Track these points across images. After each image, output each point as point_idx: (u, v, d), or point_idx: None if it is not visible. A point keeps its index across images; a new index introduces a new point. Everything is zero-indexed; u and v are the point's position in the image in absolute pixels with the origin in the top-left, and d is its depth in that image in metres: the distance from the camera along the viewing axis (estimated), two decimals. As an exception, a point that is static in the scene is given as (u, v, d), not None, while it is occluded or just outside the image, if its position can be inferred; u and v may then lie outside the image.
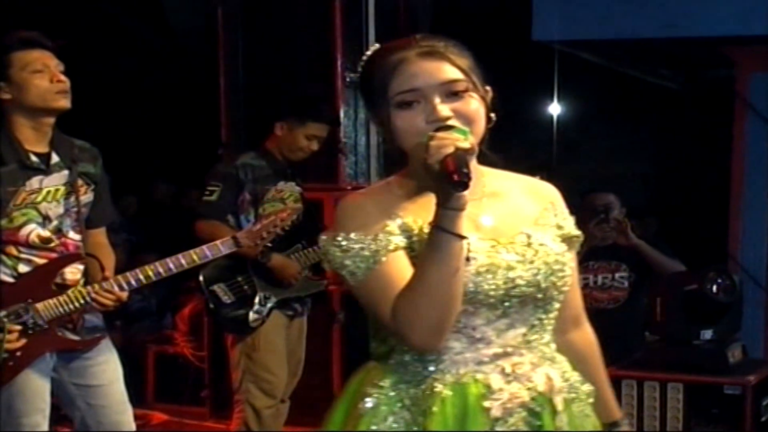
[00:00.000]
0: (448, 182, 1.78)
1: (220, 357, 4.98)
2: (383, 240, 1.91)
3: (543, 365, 2.00)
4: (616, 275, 5.46)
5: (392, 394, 1.96)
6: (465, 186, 1.77)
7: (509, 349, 1.96)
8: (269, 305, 4.30)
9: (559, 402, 1.99)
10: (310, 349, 4.59)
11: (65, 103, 3.32)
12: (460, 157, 1.80)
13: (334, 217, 1.99)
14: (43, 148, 3.34)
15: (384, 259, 1.89)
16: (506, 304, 1.94)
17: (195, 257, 3.46)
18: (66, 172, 3.36)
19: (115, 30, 6.26)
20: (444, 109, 1.89)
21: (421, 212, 1.93)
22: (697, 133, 7.23)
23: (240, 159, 4.36)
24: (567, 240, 2.05)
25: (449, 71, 1.92)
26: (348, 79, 5.20)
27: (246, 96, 5.36)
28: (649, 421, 4.93)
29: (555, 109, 6.06)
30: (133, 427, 3.62)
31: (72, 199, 3.37)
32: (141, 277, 3.37)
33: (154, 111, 6.15)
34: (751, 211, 5.92)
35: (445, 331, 1.88)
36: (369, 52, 2.02)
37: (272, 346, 4.34)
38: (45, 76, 3.28)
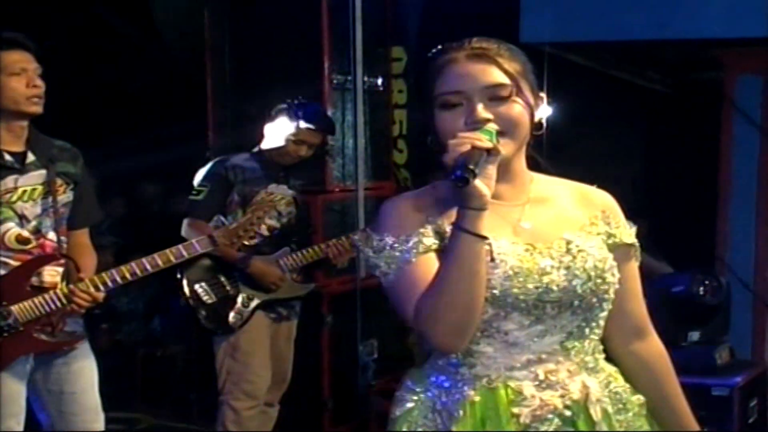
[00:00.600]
0: (451, 177, 1.79)
1: (208, 360, 4.99)
2: (415, 241, 1.92)
3: (581, 374, 1.98)
4: None
5: (424, 397, 1.99)
6: (465, 182, 1.78)
7: (544, 356, 1.95)
8: (252, 306, 4.29)
9: (596, 412, 1.96)
10: (299, 353, 4.59)
11: (37, 108, 3.32)
12: (474, 155, 1.80)
13: (378, 217, 2.03)
14: (18, 147, 3.33)
15: (414, 260, 1.90)
16: (540, 309, 1.92)
17: (171, 257, 3.44)
18: (43, 171, 3.35)
19: (100, 30, 6.25)
20: (483, 111, 1.90)
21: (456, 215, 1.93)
22: (685, 135, 7.23)
23: (231, 160, 4.35)
24: (619, 248, 2.03)
25: (495, 75, 1.92)
26: (335, 82, 5.19)
27: (233, 98, 5.35)
28: (637, 423, 5.01)
29: (545, 111, 6.10)
30: None
31: (49, 198, 3.36)
32: (117, 277, 3.35)
33: (140, 112, 6.15)
34: (739, 213, 5.93)
35: (467, 332, 1.88)
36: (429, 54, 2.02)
37: (255, 346, 4.34)
38: (22, 80, 3.28)
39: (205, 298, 4.25)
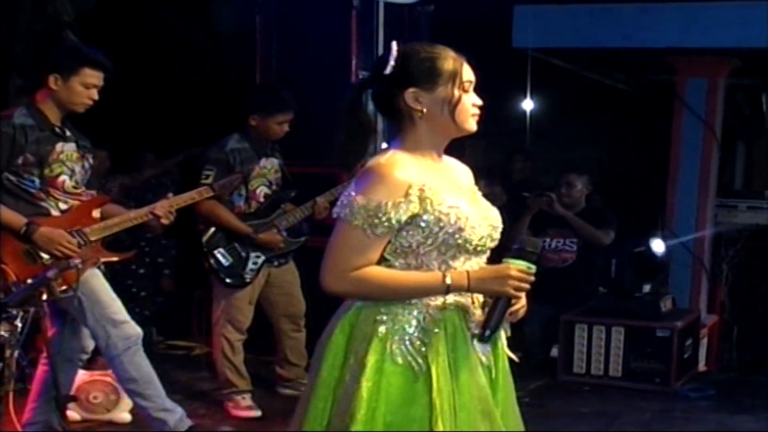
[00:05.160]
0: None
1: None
2: (399, 212, 2.13)
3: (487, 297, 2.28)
4: (567, 241, 5.58)
5: (401, 317, 2.20)
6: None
7: None
8: (260, 262, 4.49)
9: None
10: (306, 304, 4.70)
11: (81, 111, 3.69)
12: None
13: (368, 178, 2.14)
14: (60, 124, 3.72)
15: (381, 234, 2.14)
16: (476, 250, 2.22)
17: (180, 201, 3.90)
18: (74, 143, 3.74)
19: (168, 33, 6.38)
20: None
21: (430, 178, 2.18)
22: (643, 126, 7.35)
23: (228, 145, 4.40)
24: None
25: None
26: (360, 76, 5.25)
27: (277, 86, 5.29)
28: (596, 357, 5.14)
29: (528, 104, 6.25)
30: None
31: (82, 162, 3.77)
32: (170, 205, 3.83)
33: (200, 97, 6.27)
34: (684, 190, 6.10)
35: None
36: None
37: (244, 292, 4.51)
38: (87, 92, 3.63)
39: (223, 261, 4.45)
